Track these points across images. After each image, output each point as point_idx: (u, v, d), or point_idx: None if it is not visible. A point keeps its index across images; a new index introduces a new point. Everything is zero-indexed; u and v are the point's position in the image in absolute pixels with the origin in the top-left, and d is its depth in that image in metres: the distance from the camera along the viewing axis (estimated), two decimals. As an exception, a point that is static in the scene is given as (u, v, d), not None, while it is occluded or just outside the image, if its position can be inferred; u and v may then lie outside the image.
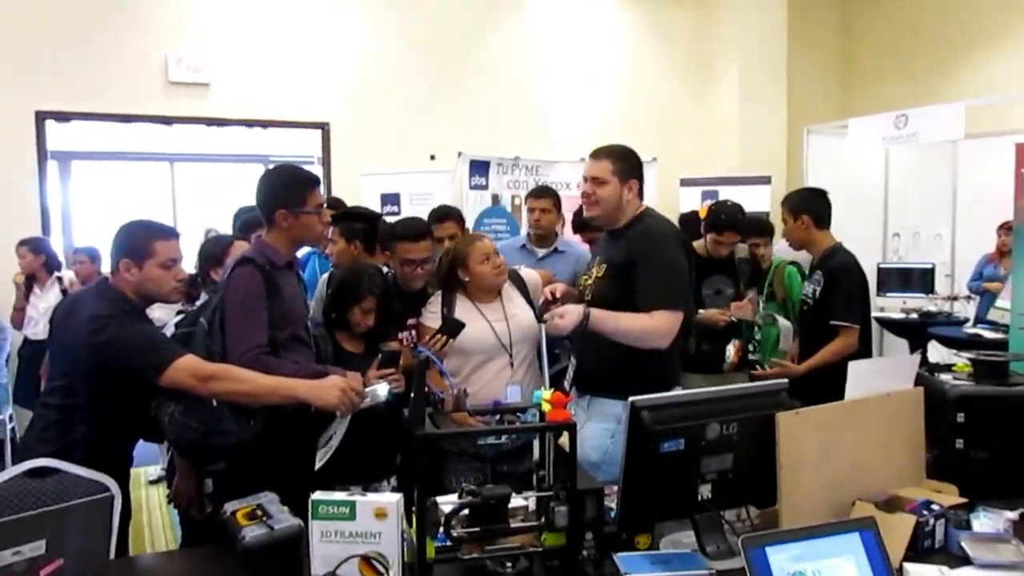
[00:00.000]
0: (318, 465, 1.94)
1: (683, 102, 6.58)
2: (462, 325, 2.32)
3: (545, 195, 3.43)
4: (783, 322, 3.09)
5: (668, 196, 5.86)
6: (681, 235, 2.26)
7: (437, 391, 1.83)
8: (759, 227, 3.47)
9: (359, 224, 2.93)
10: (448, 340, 2.30)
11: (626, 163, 2.24)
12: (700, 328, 3.03)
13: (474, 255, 2.47)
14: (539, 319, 2.34)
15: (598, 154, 2.26)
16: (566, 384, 2.32)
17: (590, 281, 2.28)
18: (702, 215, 3.44)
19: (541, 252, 3.37)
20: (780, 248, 3.57)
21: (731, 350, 3.06)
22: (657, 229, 2.21)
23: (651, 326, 2.08)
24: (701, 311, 3.07)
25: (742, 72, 6.33)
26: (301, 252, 3.14)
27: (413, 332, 2.64)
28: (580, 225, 3.47)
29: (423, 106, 5.81)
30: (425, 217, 2.96)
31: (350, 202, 3.88)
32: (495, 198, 5.68)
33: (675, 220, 5.22)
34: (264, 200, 2.10)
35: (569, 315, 2.08)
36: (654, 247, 2.15)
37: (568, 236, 4.56)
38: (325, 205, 2.15)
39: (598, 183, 2.22)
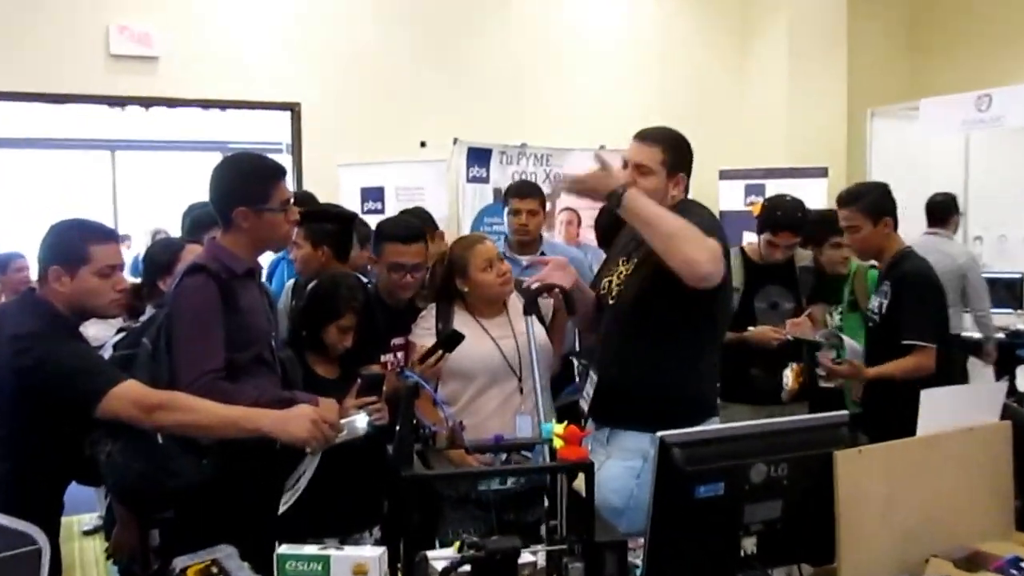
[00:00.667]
0: (282, 509, 1.96)
1: (722, 80, 6.65)
2: (461, 337, 2.36)
3: (532, 194, 3.46)
4: (850, 343, 3.07)
5: (706, 190, 5.78)
6: (722, 232, 2.30)
7: (428, 423, 1.85)
8: (833, 224, 3.31)
9: (329, 226, 2.97)
10: (443, 355, 2.35)
11: (678, 153, 2.27)
12: (750, 349, 3.05)
13: (475, 261, 2.51)
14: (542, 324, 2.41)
15: (647, 137, 2.28)
16: (582, 403, 2.34)
17: (616, 280, 2.33)
18: (755, 212, 3.49)
19: (526, 260, 3.37)
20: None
21: (789, 376, 3.07)
22: (696, 214, 2.24)
23: (702, 242, 2.04)
24: (751, 328, 3.10)
25: (793, 44, 6.38)
26: (267, 258, 3.21)
27: (399, 354, 2.67)
28: (608, 225, 3.24)
29: (412, 84, 5.87)
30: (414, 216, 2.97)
31: (324, 198, 3.97)
32: (497, 193, 5.69)
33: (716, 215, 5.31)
34: (220, 195, 2.12)
35: (598, 173, 2.08)
36: (698, 218, 2.16)
37: (554, 239, 4.64)
38: (292, 201, 2.18)
39: (642, 172, 2.24)
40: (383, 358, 2.66)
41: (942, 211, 4.68)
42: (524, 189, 3.54)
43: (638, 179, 2.22)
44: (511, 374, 2.49)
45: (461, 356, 2.42)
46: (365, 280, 2.73)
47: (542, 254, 3.38)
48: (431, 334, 2.55)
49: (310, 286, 2.56)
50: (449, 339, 2.36)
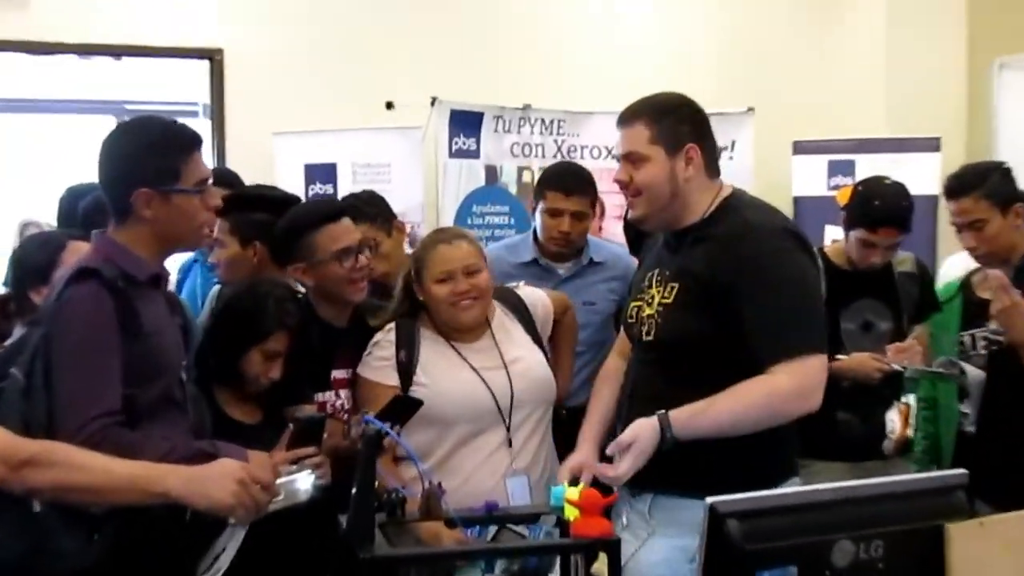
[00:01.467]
0: None
1: (797, 26, 6.58)
2: (416, 405, 2.31)
3: (580, 190, 3.46)
4: (974, 373, 3.08)
5: (774, 169, 5.89)
6: (796, 229, 2.36)
7: (395, 485, 1.90)
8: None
9: (264, 215, 3.00)
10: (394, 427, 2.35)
11: (671, 121, 2.34)
12: (837, 385, 3.03)
13: (431, 267, 2.59)
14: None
15: (624, 118, 2.38)
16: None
17: (649, 310, 2.38)
18: (840, 201, 3.59)
19: (564, 269, 3.49)
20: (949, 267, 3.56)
21: (895, 420, 3.08)
22: (759, 223, 2.31)
23: (783, 389, 2.17)
24: (841, 357, 3.10)
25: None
26: (173, 262, 3.18)
27: (343, 393, 2.73)
28: (635, 234, 3.43)
29: (375, 25, 5.85)
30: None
31: (254, 178, 3.94)
32: (491, 172, 5.65)
33: (787, 207, 5.27)
34: (114, 174, 2.15)
35: (634, 446, 2.14)
36: (764, 256, 2.25)
37: (608, 232, 4.78)
38: (211, 181, 2.23)
39: (634, 162, 2.34)
40: (320, 397, 2.70)
41: None
42: (570, 183, 3.48)
43: (634, 175, 2.33)
44: (500, 419, 2.55)
45: (433, 396, 2.44)
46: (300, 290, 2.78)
47: (590, 262, 3.46)
48: (389, 367, 2.58)
49: (223, 297, 2.64)
50: (401, 409, 2.25)
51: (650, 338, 2.34)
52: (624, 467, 2.14)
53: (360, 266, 2.73)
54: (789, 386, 2.15)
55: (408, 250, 3.53)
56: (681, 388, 2.23)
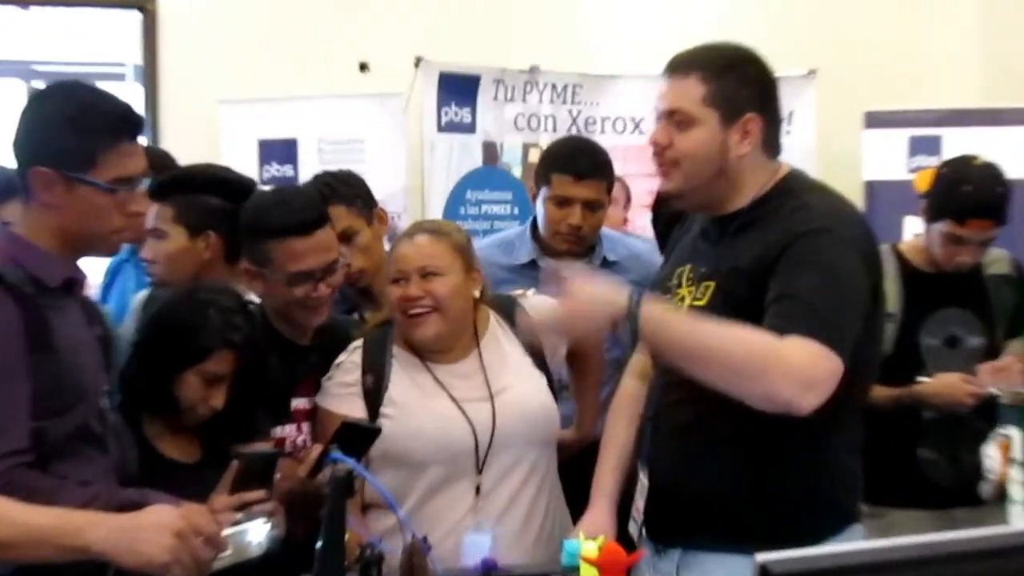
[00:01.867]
0: None
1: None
2: (374, 432, 2.38)
3: (595, 173, 3.42)
4: None
5: (840, 145, 5.88)
6: (861, 221, 2.36)
7: (370, 538, 1.92)
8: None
9: (215, 200, 3.03)
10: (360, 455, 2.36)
11: (732, 79, 2.33)
12: (916, 414, 3.06)
13: (389, 264, 2.68)
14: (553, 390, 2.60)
15: (677, 66, 2.37)
16: (633, 522, 2.35)
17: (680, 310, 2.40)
18: (919, 186, 3.51)
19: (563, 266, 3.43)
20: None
21: (993, 457, 3.05)
22: (816, 204, 2.32)
23: (788, 359, 2.10)
24: (923, 380, 3.09)
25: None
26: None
27: (304, 426, 2.77)
28: (665, 226, 3.33)
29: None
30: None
31: (198, 157, 3.96)
32: (490, 150, 5.71)
33: (855, 194, 5.36)
34: (19, 146, 2.15)
35: (576, 288, 2.18)
36: (817, 239, 2.24)
37: (635, 225, 4.98)
38: (144, 184, 2.25)
39: (678, 123, 2.33)
40: (278, 432, 2.73)
41: None
42: (581, 164, 3.42)
43: (676, 139, 2.31)
44: (474, 462, 2.61)
45: (401, 431, 2.53)
46: (253, 299, 2.80)
47: (603, 262, 3.43)
48: (354, 394, 2.63)
49: (154, 304, 2.67)
50: (348, 439, 2.28)
51: None
52: (544, 308, 2.27)
53: (318, 295, 2.72)
54: (797, 362, 2.07)
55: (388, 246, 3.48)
56: (716, 415, 2.22)
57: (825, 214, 2.26)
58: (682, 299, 2.34)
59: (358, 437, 2.29)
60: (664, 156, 2.32)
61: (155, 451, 2.46)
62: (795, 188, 2.34)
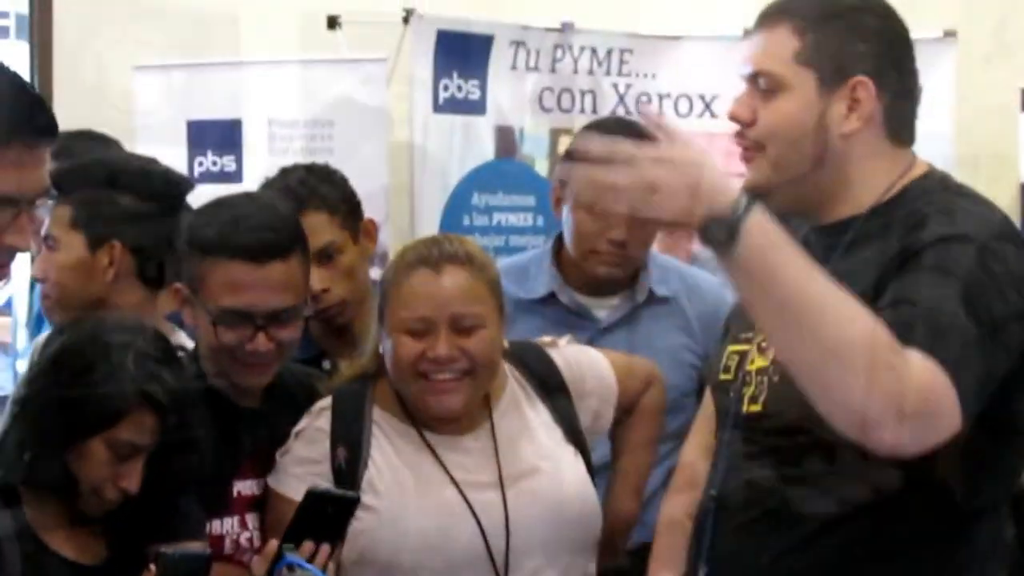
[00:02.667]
0: None
1: None
2: (351, 504, 2.35)
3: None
4: None
5: (988, 130, 5.44)
6: (1014, 231, 2.18)
7: None
8: None
9: (121, 200, 2.89)
10: (332, 550, 2.34)
11: (836, 28, 2.19)
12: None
13: (398, 305, 2.49)
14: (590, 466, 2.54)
15: (765, 16, 2.26)
16: None
17: (760, 361, 2.25)
18: None
19: (605, 311, 3.27)
20: None
21: None
22: (968, 217, 2.12)
23: (898, 352, 1.87)
24: None
25: None
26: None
27: (250, 518, 2.59)
28: None
29: None
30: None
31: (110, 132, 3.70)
32: (505, 136, 5.16)
33: (1010, 197, 5.24)
34: None
35: (676, 160, 1.92)
36: (954, 247, 2.05)
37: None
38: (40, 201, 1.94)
39: (763, 90, 2.19)
40: (214, 526, 2.52)
41: None
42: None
43: (759, 111, 2.18)
44: (488, 567, 2.42)
45: (383, 527, 2.40)
46: (186, 344, 2.69)
47: (650, 297, 3.22)
48: (321, 475, 2.46)
49: (48, 344, 2.54)
50: (315, 517, 2.31)
51: (758, 408, 2.21)
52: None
53: (254, 348, 2.50)
54: (916, 377, 1.85)
55: (374, 272, 3.30)
56: (815, 495, 2.10)
57: (969, 220, 2.09)
58: (761, 349, 2.23)
59: (329, 517, 2.29)
60: (746, 137, 2.18)
61: (44, 548, 2.31)
62: (934, 189, 2.18)
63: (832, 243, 2.19)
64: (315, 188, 3.07)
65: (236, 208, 2.65)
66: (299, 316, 2.57)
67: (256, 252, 2.47)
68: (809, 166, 2.14)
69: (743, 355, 2.30)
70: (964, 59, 5.30)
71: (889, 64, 2.15)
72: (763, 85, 2.13)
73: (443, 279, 2.45)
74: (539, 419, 2.59)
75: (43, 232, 2.56)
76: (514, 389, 2.60)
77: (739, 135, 2.18)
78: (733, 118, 2.18)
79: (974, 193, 2.22)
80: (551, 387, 2.63)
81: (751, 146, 2.15)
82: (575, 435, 2.59)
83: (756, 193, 2.35)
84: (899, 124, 2.16)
